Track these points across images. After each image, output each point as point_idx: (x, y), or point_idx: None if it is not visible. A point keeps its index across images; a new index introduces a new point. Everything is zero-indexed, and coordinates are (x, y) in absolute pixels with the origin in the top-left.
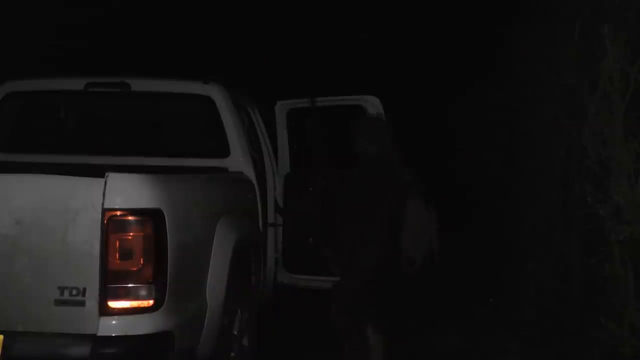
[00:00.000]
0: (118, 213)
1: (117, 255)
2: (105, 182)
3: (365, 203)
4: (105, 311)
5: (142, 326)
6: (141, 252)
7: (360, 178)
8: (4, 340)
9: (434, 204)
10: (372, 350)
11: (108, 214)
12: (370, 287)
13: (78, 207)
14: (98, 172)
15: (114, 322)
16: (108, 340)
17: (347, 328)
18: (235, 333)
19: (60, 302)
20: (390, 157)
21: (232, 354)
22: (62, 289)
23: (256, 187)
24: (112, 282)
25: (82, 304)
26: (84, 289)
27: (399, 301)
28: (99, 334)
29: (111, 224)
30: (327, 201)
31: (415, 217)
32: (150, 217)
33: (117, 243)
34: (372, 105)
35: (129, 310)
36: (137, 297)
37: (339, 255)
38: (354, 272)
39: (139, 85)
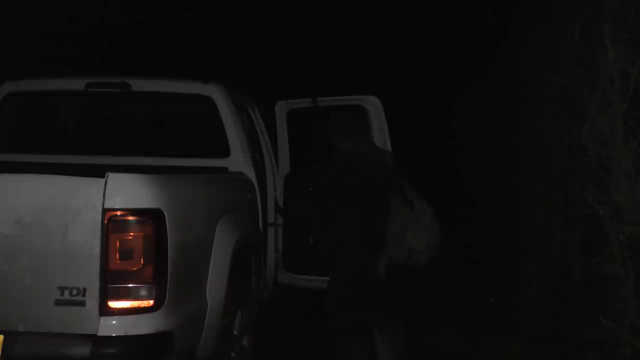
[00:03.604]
0: (118, 213)
1: (117, 255)
2: (106, 182)
3: (338, 204)
4: (106, 311)
5: (142, 326)
6: (141, 252)
7: (332, 176)
8: (4, 340)
9: (434, 204)
10: (377, 351)
11: (108, 214)
12: (348, 289)
13: (78, 207)
14: (98, 172)
15: (114, 322)
16: (108, 340)
17: (334, 327)
18: (235, 333)
19: (60, 302)
20: (363, 154)
21: (232, 354)
22: (62, 289)
23: (256, 187)
24: (112, 282)
25: (82, 304)
26: (84, 289)
27: (396, 302)
28: (99, 334)
29: (111, 224)
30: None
31: (399, 220)
32: (150, 217)
33: (117, 243)
34: (372, 105)
35: (129, 310)
36: (137, 297)
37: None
38: (334, 274)
39: (139, 85)
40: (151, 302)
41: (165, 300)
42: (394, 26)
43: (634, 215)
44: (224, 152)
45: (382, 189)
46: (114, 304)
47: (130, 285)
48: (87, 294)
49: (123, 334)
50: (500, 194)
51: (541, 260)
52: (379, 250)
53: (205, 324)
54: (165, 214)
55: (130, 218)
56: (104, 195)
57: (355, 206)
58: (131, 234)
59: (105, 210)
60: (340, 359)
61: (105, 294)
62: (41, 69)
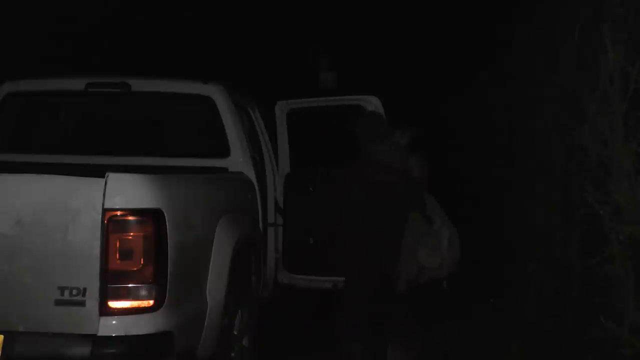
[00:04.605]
0: (118, 213)
1: (117, 255)
2: (106, 182)
3: (345, 204)
4: (106, 311)
5: (142, 326)
6: (141, 252)
7: (348, 178)
8: (4, 340)
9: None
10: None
11: (108, 214)
12: (349, 290)
13: (78, 207)
14: (98, 172)
15: (114, 322)
16: (108, 340)
17: (337, 325)
18: (235, 333)
19: (60, 302)
20: (388, 163)
21: (232, 354)
22: (62, 289)
23: (256, 187)
24: (112, 282)
25: (82, 304)
26: (84, 289)
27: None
28: (99, 334)
29: (111, 224)
30: (328, 201)
31: (413, 234)
32: (150, 217)
33: (117, 243)
34: (372, 105)
35: (129, 310)
36: (137, 297)
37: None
38: (346, 280)
39: (139, 85)
40: (151, 302)
41: (165, 300)
42: (394, 26)
43: (634, 215)
44: (224, 152)
45: (397, 201)
46: (114, 304)
47: (130, 285)
48: (87, 294)
49: (123, 334)
50: (500, 194)
51: (541, 260)
52: (387, 257)
53: (205, 324)
54: (165, 214)
55: (130, 218)
56: (104, 195)
57: (360, 209)
58: (131, 234)
59: (105, 210)
60: (343, 357)
61: (105, 294)
62: (41, 69)
